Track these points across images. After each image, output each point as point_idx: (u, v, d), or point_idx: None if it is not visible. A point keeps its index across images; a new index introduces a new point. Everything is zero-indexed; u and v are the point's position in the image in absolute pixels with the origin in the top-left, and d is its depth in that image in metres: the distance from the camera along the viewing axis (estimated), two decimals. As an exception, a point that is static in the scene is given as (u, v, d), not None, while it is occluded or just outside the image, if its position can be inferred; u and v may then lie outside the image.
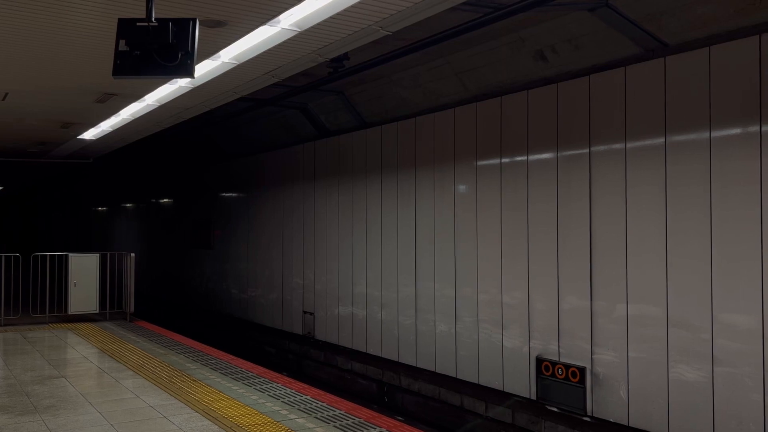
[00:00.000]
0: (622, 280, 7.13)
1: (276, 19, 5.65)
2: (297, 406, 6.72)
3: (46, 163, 17.11)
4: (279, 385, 7.67)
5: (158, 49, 4.46)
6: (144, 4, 4.47)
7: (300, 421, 6.23)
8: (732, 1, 6.00)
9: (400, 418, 7.76)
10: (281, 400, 6.99)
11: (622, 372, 7.12)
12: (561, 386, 7.71)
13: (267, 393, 7.28)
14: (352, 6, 5.29)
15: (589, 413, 7.43)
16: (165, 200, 20.62)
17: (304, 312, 12.90)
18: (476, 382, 8.95)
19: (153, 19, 4.42)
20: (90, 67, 7.19)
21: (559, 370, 7.74)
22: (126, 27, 4.48)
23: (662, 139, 6.75)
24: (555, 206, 7.85)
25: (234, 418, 6.29)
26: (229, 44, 6.38)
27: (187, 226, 18.55)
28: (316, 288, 12.54)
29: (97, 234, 27.50)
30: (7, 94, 8.73)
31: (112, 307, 13.27)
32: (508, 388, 8.48)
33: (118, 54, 4.53)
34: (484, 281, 8.83)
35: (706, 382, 6.37)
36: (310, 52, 6.62)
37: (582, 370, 7.47)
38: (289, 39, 6.12)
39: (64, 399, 7.03)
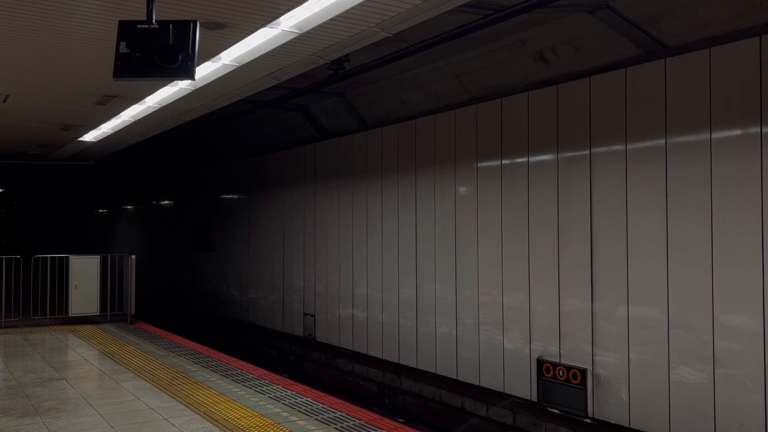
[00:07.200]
0: (623, 282, 7.12)
1: (276, 21, 5.65)
2: (298, 408, 6.72)
3: (47, 165, 17.13)
4: (280, 387, 7.67)
5: (159, 51, 4.46)
6: (144, 6, 4.48)
7: (301, 423, 6.22)
8: (732, 2, 6.00)
9: (401, 420, 7.74)
10: (282, 402, 6.99)
11: (623, 374, 7.12)
12: (562, 388, 7.71)
13: (268, 395, 7.28)
14: (353, 8, 5.29)
15: (590, 415, 7.42)
16: (165, 202, 20.62)
17: (305, 314, 12.89)
18: (477, 383, 8.94)
19: (154, 21, 4.42)
20: (90, 69, 7.19)
21: (560, 372, 7.73)
22: (127, 29, 4.49)
23: (663, 141, 6.75)
24: (556, 208, 7.85)
25: (235, 420, 6.29)
26: (229, 46, 6.38)
27: (187, 228, 18.55)
28: (317, 290, 12.54)
29: (97, 236, 27.50)
30: (7, 96, 8.74)
31: (112, 309, 13.26)
32: (509, 390, 8.47)
33: (118, 56, 4.54)
34: (485, 283, 8.83)
35: (707, 383, 6.37)
36: (311, 54, 6.63)
37: (583, 371, 7.47)
38: (289, 41, 6.12)
39: (64, 401, 7.03)
